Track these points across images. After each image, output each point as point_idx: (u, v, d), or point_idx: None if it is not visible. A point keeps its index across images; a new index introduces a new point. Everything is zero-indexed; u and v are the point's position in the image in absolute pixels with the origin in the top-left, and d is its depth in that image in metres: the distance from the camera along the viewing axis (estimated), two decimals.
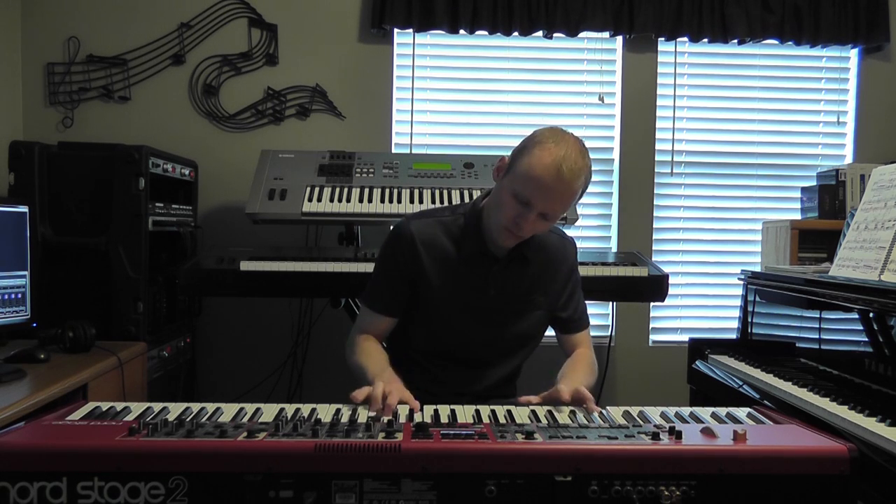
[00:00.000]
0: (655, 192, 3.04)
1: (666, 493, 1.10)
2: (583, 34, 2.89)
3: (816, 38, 2.93)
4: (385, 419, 1.28)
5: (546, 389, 1.48)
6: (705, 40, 2.94)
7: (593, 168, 3.14)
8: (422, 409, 1.37)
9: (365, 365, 1.57)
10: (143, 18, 2.82)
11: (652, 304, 3.01)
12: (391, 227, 1.69)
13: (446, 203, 2.37)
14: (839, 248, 1.96)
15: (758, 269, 2.65)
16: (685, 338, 2.48)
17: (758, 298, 2.25)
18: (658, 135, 3.03)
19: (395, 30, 2.88)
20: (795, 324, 2.05)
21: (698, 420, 1.35)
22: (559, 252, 1.72)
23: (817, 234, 2.60)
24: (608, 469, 1.10)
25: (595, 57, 3.03)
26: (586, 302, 1.75)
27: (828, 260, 2.35)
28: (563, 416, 1.35)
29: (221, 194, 2.86)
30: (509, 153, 1.58)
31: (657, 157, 3.04)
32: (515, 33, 2.83)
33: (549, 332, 1.81)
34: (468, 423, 1.26)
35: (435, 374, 1.67)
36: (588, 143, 3.02)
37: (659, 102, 3.03)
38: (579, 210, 2.48)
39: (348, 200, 2.38)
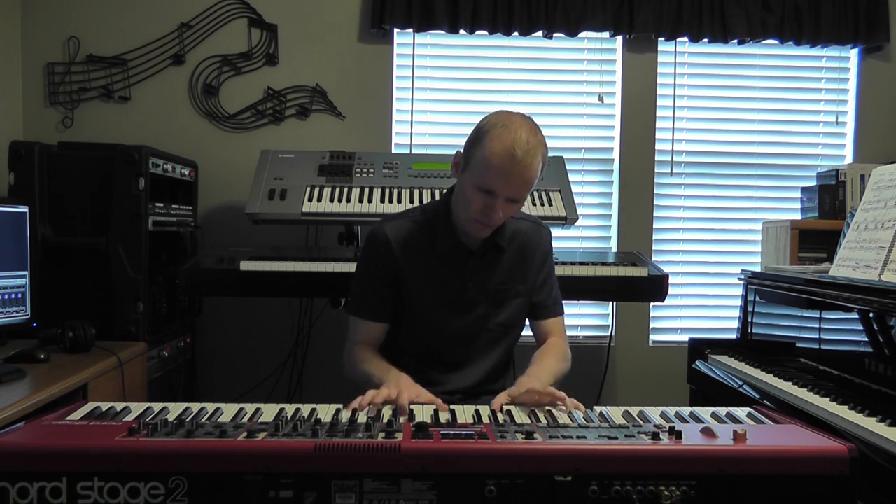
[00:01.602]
0: (655, 192, 3.04)
1: (666, 493, 1.10)
2: (583, 34, 2.89)
3: (816, 38, 2.93)
4: (385, 419, 1.28)
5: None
6: (705, 40, 2.94)
7: (594, 168, 3.14)
8: (422, 409, 1.37)
9: (369, 371, 1.58)
10: (143, 18, 2.82)
11: (652, 304, 3.01)
12: (367, 232, 1.70)
13: None
14: (839, 248, 1.96)
15: (758, 269, 2.65)
16: (685, 338, 2.48)
17: (758, 298, 2.25)
18: (658, 135, 3.03)
19: (395, 30, 2.88)
20: (795, 324, 2.05)
21: (698, 420, 1.35)
22: (533, 238, 1.73)
23: (817, 234, 2.60)
24: (608, 469, 1.11)
25: (595, 57, 3.03)
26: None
27: (828, 260, 2.35)
28: (562, 416, 1.35)
29: (221, 194, 2.86)
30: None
31: (657, 157, 3.04)
32: (515, 33, 2.83)
33: None
34: (468, 423, 1.26)
35: (425, 375, 1.67)
36: (588, 143, 3.07)
37: (659, 102, 3.03)
38: (579, 210, 2.48)
39: (348, 200, 2.38)
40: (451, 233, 1.64)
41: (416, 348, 1.69)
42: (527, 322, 1.79)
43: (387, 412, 1.34)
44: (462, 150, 1.59)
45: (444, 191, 2.45)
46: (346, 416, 1.31)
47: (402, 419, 1.30)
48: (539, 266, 1.74)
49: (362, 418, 1.29)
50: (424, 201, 2.39)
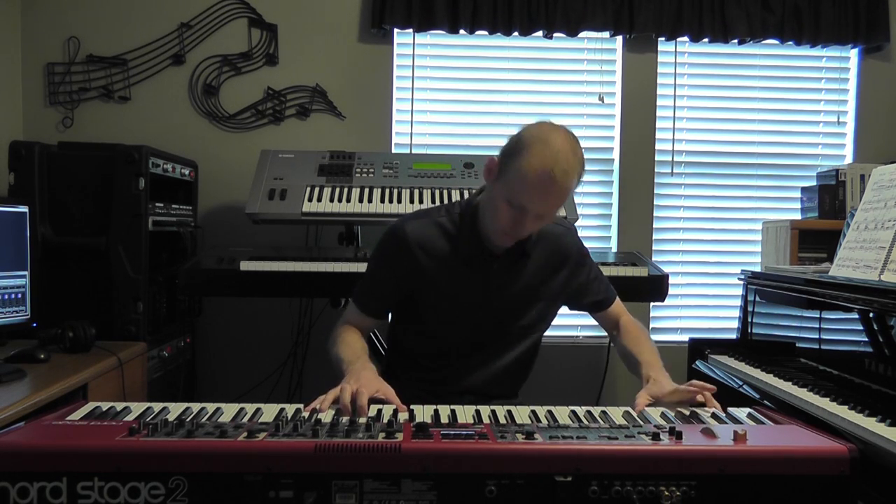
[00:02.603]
0: (655, 192, 3.04)
1: (666, 493, 1.10)
2: (583, 34, 2.89)
3: (816, 38, 2.93)
4: (385, 419, 1.28)
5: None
6: (705, 40, 2.93)
7: (594, 168, 3.14)
8: (423, 409, 1.37)
9: (341, 355, 1.57)
10: (143, 18, 2.82)
11: (652, 304, 3.01)
12: (387, 228, 1.68)
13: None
14: (839, 248, 1.96)
15: (758, 269, 2.65)
16: (685, 338, 2.48)
17: (758, 298, 2.25)
18: (658, 135, 3.03)
19: (395, 30, 2.88)
20: (795, 324, 2.05)
21: (698, 420, 1.35)
22: (560, 241, 1.69)
23: (817, 234, 2.60)
24: (608, 469, 1.10)
25: (595, 57, 3.03)
26: None
27: (828, 260, 2.35)
28: (562, 416, 1.35)
29: (221, 194, 2.86)
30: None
31: (657, 157, 3.04)
32: (515, 33, 2.83)
33: (551, 332, 1.81)
34: (468, 424, 1.26)
35: (437, 373, 1.67)
36: (588, 143, 3.07)
37: (659, 102, 3.03)
38: (579, 210, 2.48)
39: (348, 200, 2.38)
40: (477, 237, 1.60)
41: (430, 347, 1.68)
42: (552, 323, 1.78)
43: (387, 412, 1.34)
44: (497, 157, 1.52)
45: (451, 191, 2.46)
46: (346, 416, 1.31)
47: (361, 419, 1.28)
48: (576, 269, 1.72)
49: (362, 418, 1.29)
50: (424, 201, 2.40)
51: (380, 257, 1.67)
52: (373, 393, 1.39)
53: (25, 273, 2.00)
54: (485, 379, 1.68)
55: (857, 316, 1.70)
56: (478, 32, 2.83)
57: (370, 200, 2.39)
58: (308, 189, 2.41)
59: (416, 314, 1.67)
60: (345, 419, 1.28)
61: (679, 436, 1.17)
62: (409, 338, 1.72)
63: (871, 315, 1.64)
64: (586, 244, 2.99)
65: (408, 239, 1.60)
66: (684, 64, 3.05)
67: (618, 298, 1.81)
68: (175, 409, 1.33)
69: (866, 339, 1.67)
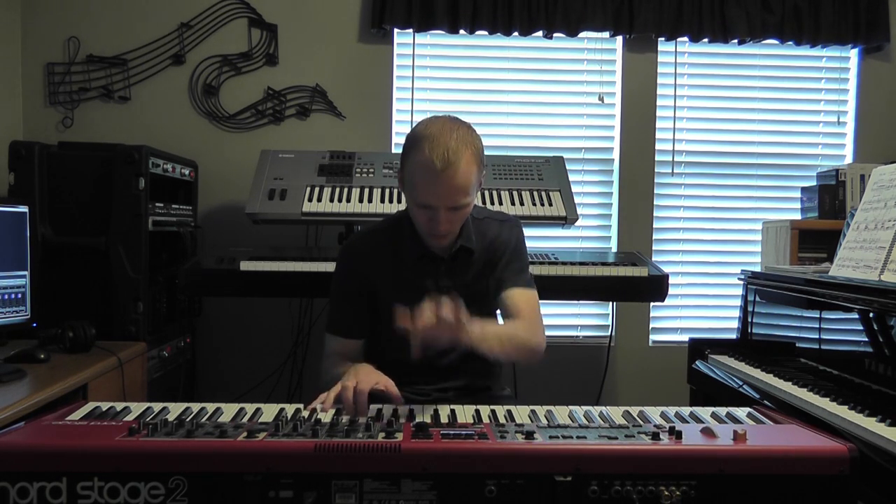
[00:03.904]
0: (655, 192, 3.04)
1: (666, 493, 1.10)
2: (583, 34, 2.89)
3: (816, 38, 2.93)
4: (385, 419, 1.28)
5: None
6: (705, 40, 2.93)
7: (594, 168, 3.12)
8: (422, 409, 1.37)
9: (338, 371, 1.56)
10: (143, 18, 2.82)
11: (652, 304, 3.01)
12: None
13: None
14: (839, 248, 1.96)
15: (758, 269, 2.65)
16: (685, 338, 2.48)
17: (758, 298, 2.25)
18: (658, 135, 3.03)
19: (395, 30, 2.88)
20: (795, 324, 2.05)
21: (698, 420, 1.35)
22: (502, 235, 1.69)
23: (817, 234, 2.60)
24: (608, 469, 1.11)
25: (595, 57, 3.03)
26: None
27: (828, 260, 2.35)
28: (562, 416, 1.35)
29: (221, 194, 2.86)
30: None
31: (657, 157, 3.04)
32: (515, 33, 2.83)
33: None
34: (468, 423, 1.26)
35: (413, 379, 1.67)
36: (588, 143, 3.07)
37: (659, 102, 3.03)
38: (579, 210, 2.48)
39: (348, 200, 2.38)
40: (419, 241, 1.62)
41: (398, 356, 1.68)
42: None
43: (387, 412, 1.34)
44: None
45: None
46: (346, 416, 1.31)
47: (361, 419, 1.28)
48: (511, 257, 1.68)
49: (362, 418, 1.29)
50: None
51: (339, 277, 1.70)
52: (373, 385, 1.39)
53: (25, 273, 2.00)
54: (462, 381, 1.68)
55: (857, 316, 1.70)
56: (478, 32, 2.83)
57: (370, 200, 2.39)
58: (308, 189, 2.41)
59: (378, 327, 1.67)
60: (344, 419, 1.28)
61: (679, 435, 1.17)
62: (377, 353, 1.71)
63: (871, 315, 1.64)
64: (586, 244, 3.05)
65: (358, 251, 1.66)
66: (684, 64, 3.05)
67: (529, 294, 1.66)
68: (175, 409, 1.33)
69: (866, 339, 1.67)
